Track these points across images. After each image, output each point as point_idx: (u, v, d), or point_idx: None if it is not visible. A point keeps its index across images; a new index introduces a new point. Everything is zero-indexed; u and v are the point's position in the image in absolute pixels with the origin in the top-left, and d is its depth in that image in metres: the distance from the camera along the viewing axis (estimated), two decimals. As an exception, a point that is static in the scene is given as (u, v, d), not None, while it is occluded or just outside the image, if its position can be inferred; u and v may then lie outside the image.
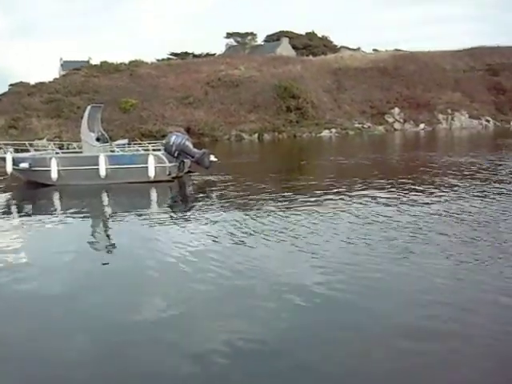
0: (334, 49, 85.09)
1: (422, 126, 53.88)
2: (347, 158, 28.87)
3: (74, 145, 24.92)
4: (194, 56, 78.50)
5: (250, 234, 12.10)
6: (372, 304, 7.94)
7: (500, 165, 23.90)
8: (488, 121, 57.78)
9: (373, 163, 26.71)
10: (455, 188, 17.41)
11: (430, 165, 24.62)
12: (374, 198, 15.82)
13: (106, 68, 54.29)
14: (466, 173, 21.40)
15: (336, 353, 6.55)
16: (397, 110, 54.08)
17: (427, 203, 14.84)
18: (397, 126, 53.11)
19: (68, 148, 26.22)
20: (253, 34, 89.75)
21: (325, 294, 8.26)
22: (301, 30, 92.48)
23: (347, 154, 30.47)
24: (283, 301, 8.12)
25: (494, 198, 15.30)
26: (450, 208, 14.02)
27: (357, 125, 50.89)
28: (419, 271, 9.07)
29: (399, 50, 71.43)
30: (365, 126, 51.19)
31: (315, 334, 7.06)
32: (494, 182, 18.49)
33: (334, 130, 48.95)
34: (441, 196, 15.99)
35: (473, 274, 8.83)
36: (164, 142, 22.78)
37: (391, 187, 17.96)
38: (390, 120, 53.35)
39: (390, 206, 14.61)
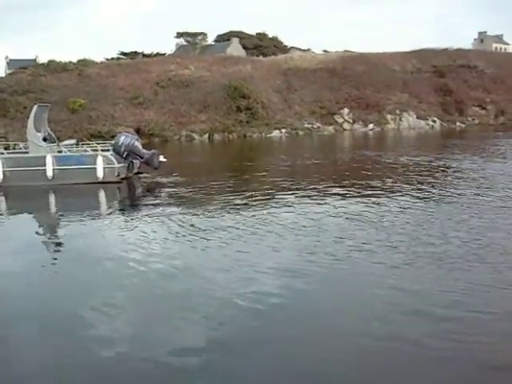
0: (284, 49, 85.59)
1: (370, 126, 54.58)
2: (295, 158, 29.18)
3: (21, 145, 24.48)
4: (144, 55, 77.89)
5: (197, 235, 12.21)
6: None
7: (439, 165, 24.53)
8: (435, 121, 58.94)
9: (319, 164, 27.08)
10: (391, 190, 17.90)
11: (373, 165, 25.19)
12: (311, 200, 16.16)
13: (53, 67, 53.30)
14: (406, 174, 21.97)
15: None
16: (346, 110, 54.67)
17: (358, 206, 15.23)
18: (346, 126, 53.69)
19: (14, 148, 25.71)
20: (203, 34, 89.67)
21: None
22: (251, 31, 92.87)
23: (296, 155, 30.81)
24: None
25: (424, 201, 15.76)
26: (379, 210, 14.41)
27: (306, 125, 51.26)
28: (342, 278, 9.31)
29: (349, 51, 72.17)
30: (314, 126, 51.59)
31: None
32: (428, 184, 18.98)
33: (283, 131, 49.21)
34: (373, 197, 16.38)
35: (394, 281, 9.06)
36: (113, 142, 22.61)
37: (330, 189, 18.25)
38: (340, 120, 53.89)
39: (325, 208, 14.95)
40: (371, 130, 53.87)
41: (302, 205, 15.37)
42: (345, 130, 52.94)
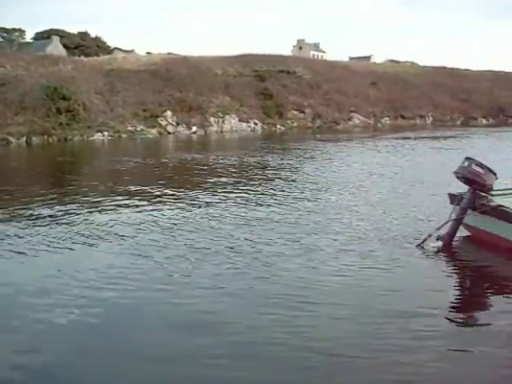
0: (108, 50, 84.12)
1: (194, 128, 55.09)
2: (116, 162, 28.80)
3: None
4: (-46, 52, 72.83)
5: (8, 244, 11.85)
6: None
7: (253, 166, 25.79)
8: (256, 124, 60.93)
9: (138, 167, 27.04)
10: (203, 192, 18.57)
11: (191, 167, 25.84)
12: (125, 205, 16.27)
13: None
14: (223, 174, 22.78)
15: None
16: (169, 113, 54.65)
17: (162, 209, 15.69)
18: (170, 128, 53.64)
19: None
20: (21, 31, 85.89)
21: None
22: (73, 29, 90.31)
23: (116, 158, 30.37)
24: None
25: (237, 203, 16.59)
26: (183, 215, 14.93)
27: (130, 128, 50.49)
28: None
29: (172, 54, 72.54)
30: (138, 129, 50.95)
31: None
32: (240, 186, 19.96)
33: (106, 133, 48.06)
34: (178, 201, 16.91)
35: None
36: None
37: (142, 193, 18.53)
38: (163, 123, 53.73)
39: (137, 212, 15.24)
40: (194, 132, 54.51)
41: (111, 211, 15.38)
42: (169, 132, 53.02)
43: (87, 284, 9.31)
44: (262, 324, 7.81)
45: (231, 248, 11.40)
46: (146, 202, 16.73)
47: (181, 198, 17.45)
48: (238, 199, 17.22)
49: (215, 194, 18.31)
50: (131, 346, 7.23)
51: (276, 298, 8.69)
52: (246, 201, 16.99)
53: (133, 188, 19.66)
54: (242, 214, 14.83)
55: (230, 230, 13.06)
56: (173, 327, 7.76)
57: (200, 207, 15.90)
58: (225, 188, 19.52)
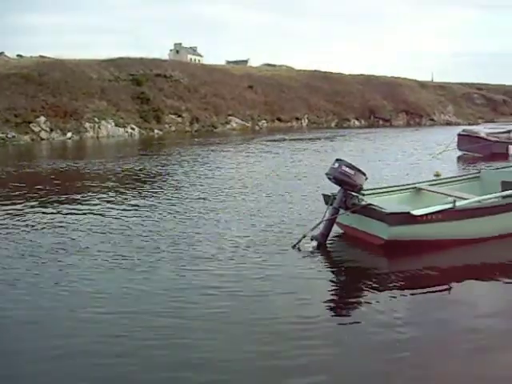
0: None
1: (69, 134, 53.59)
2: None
3: None
4: None
5: None
6: None
7: (122, 174, 25.64)
8: (133, 129, 60.24)
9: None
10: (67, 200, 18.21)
11: (58, 176, 25.28)
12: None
13: None
14: (87, 185, 22.30)
15: None
16: (43, 118, 52.88)
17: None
18: (43, 135, 51.84)
19: None
20: None
21: None
22: None
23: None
24: None
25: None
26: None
27: (0, 135, 48.69)
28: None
29: (45, 57, 70.48)
30: (9, 135, 48.97)
31: None
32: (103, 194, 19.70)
33: (-26, 141, 46.17)
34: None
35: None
36: None
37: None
38: (36, 129, 51.88)
39: None
40: (69, 138, 53.14)
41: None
42: (42, 139, 51.33)
43: None
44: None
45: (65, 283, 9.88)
46: None
47: (32, 216, 15.77)
48: (92, 212, 16.11)
49: (70, 207, 17.11)
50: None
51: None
52: (103, 213, 15.92)
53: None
54: (99, 229, 13.87)
55: (70, 253, 11.68)
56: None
57: (46, 223, 14.63)
58: (83, 199, 18.57)
